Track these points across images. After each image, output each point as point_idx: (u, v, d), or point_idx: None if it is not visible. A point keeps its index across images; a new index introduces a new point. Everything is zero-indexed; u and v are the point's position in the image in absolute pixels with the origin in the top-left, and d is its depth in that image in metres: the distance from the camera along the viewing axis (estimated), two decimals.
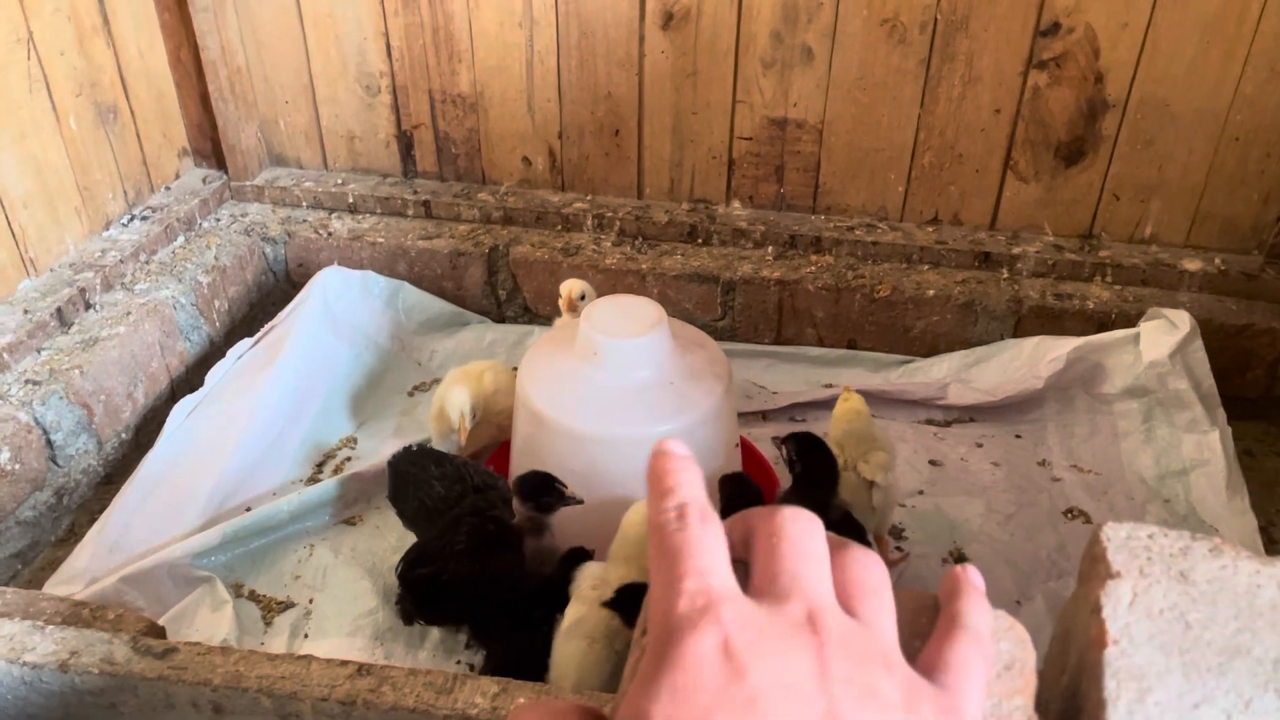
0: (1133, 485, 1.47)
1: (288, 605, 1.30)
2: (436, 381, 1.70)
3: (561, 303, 1.50)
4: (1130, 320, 1.66)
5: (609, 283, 1.80)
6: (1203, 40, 1.60)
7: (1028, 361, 1.65)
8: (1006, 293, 1.72)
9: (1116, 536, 0.56)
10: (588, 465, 1.27)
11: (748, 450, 1.47)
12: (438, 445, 1.42)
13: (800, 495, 1.22)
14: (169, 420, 1.49)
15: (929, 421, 1.64)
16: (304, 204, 1.98)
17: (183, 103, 1.95)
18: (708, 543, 0.38)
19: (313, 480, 1.51)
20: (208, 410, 1.52)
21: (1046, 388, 1.60)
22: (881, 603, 0.39)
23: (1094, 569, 0.56)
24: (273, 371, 1.55)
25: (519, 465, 1.40)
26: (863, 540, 1.18)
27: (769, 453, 1.51)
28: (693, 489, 0.40)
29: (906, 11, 1.67)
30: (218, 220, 1.93)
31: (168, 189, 1.93)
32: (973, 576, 0.45)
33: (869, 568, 0.40)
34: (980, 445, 1.58)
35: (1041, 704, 0.48)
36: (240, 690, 0.84)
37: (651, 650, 0.35)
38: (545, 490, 1.19)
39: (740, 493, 1.21)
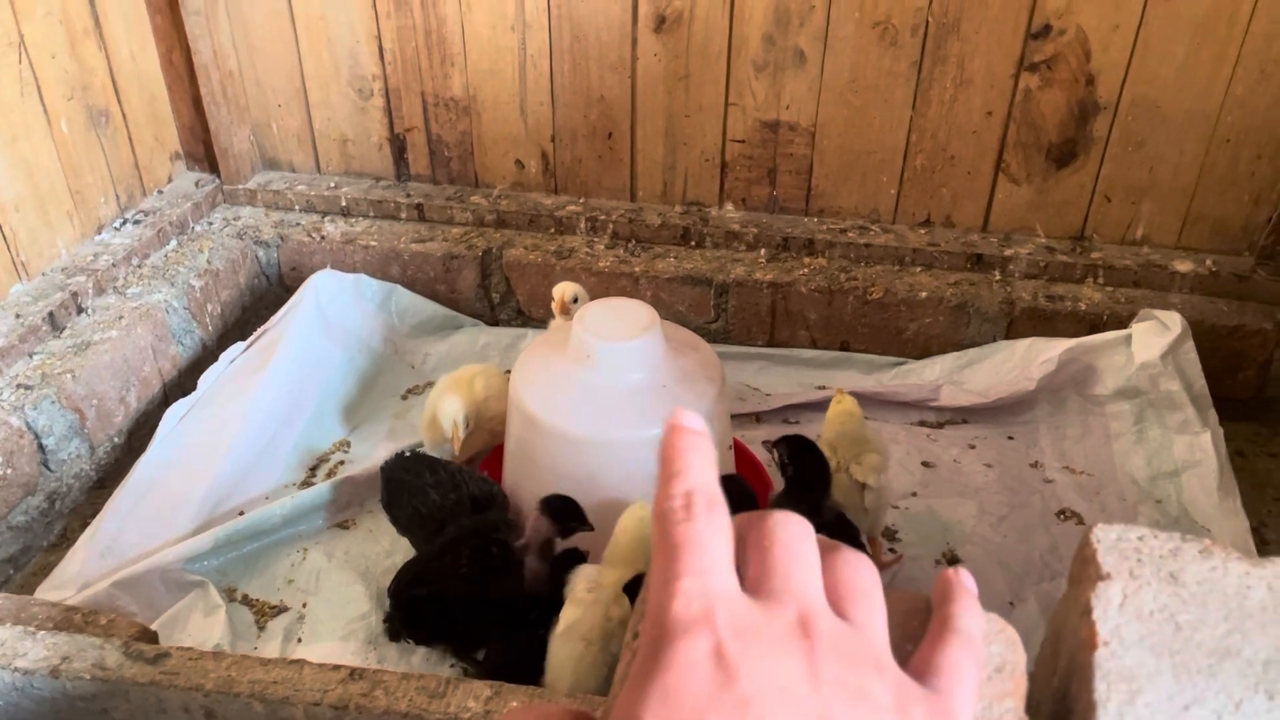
0: (1125, 486, 1.48)
1: (281, 609, 1.30)
2: (429, 385, 1.70)
3: (554, 305, 1.50)
4: (1122, 322, 1.66)
5: (602, 285, 1.80)
6: (1193, 42, 1.60)
7: (1020, 363, 1.65)
8: (999, 294, 1.72)
9: (1107, 538, 0.56)
10: (581, 468, 1.27)
11: (741, 452, 1.47)
12: (431, 453, 1.42)
13: (793, 498, 1.22)
14: (161, 424, 1.48)
15: (922, 423, 1.64)
16: (297, 207, 1.98)
17: (175, 106, 1.94)
18: (710, 538, 0.37)
19: (306, 484, 1.51)
20: (200, 414, 1.51)
21: (1039, 389, 1.60)
22: (873, 605, 0.39)
23: (1084, 571, 0.56)
24: (266, 375, 1.55)
25: (513, 468, 1.40)
26: (856, 542, 1.18)
27: (762, 455, 1.51)
28: (702, 473, 0.39)
29: (898, 14, 1.67)
30: (210, 224, 1.93)
31: (160, 192, 1.92)
32: (964, 579, 0.45)
33: (860, 570, 0.40)
34: (973, 447, 1.58)
35: (1032, 706, 0.49)
36: (232, 695, 0.84)
37: (644, 652, 0.35)
38: (570, 514, 1.19)
39: (734, 495, 1.21)
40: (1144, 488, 1.47)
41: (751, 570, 0.39)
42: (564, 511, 1.20)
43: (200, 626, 1.25)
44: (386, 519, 1.34)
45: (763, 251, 1.84)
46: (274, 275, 1.94)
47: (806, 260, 1.82)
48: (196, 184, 1.97)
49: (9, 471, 1.36)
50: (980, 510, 1.45)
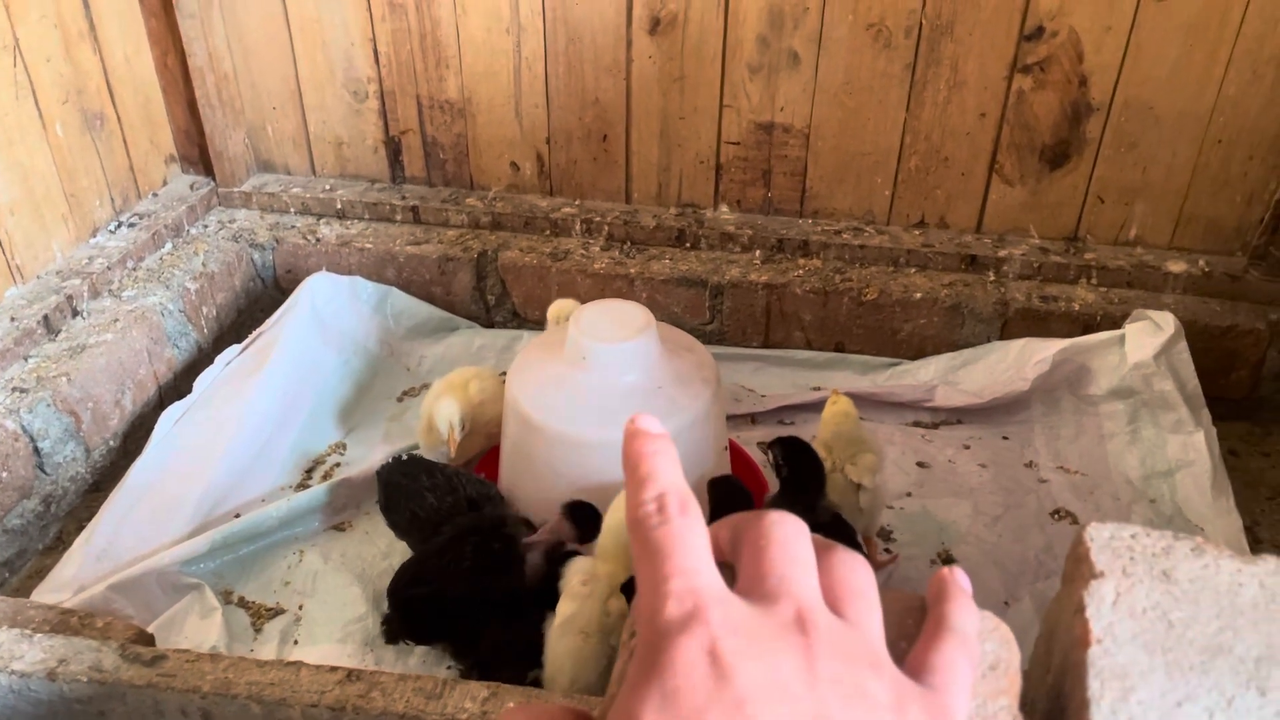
0: (1119, 486, 1.48)
1: (277, 612, 1.30)
2: (425, 387, 1.70)
3: (551, 326, 1.51)
4: (1115, 322, 1.67)
5: (597, 287, 1.80)
6: (1185, 43, 1.61)
7: (1014, 363, 1.66)
8: (993, 295, 1.73)
9: (1100, 537, 0.56)
10: (577, 469, 1.27)
11: (736, 453, 1.48)
12: (428, 457, 1.42)
13: (788, 499, 1.22)
14: (157, 427, 1.48)
15: (916, 423, 1.65)
16: (292, 210, 1.98)
17: (170, 109, 1.94)
18: (690, 538, 0.38)
19: (302, 486, 1.51)
20: (196, 417, 1.51)
21: (1033, 389, 1.61)
22: (868, 604, 0.40)
23: (1078, 569, 0.56)
24: (261, 378, 1.55)
25: (509, 470, 1.40)
26: (853, 542, 1.19)
27: (757, 456, 1.51)
28: (669, 475, 0.39)
29: (892, 16, 1.68)
30: (205, 227, 1.93)
31: (155, 195, 1.92)
32: (959, 578, 0.46)
33: (855, 570, 0.41)
34: (968, 447, 1.59)
35: (1026, 704, 0.49)
36: (229, 697, 0.84)
37: (640, 654, 0.36)
38: (594, 524, 1.19)
39: (730, 495, 1.22)
40: (1138, 487, 1.47)
41: (746, 569, 0.39)
42: (588, 519, 1.20)
43: (197, 629, 1.25)
44: (383, 521, 1.34)
45: (758, 253, 1.84)
46: (269, 278, 1.95)
47: (801, 261, 1.82)
48: (191, 187, 1.97)
49: (4, 475, 1.36)
50: (975, 510, 1.45)
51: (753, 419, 1.65)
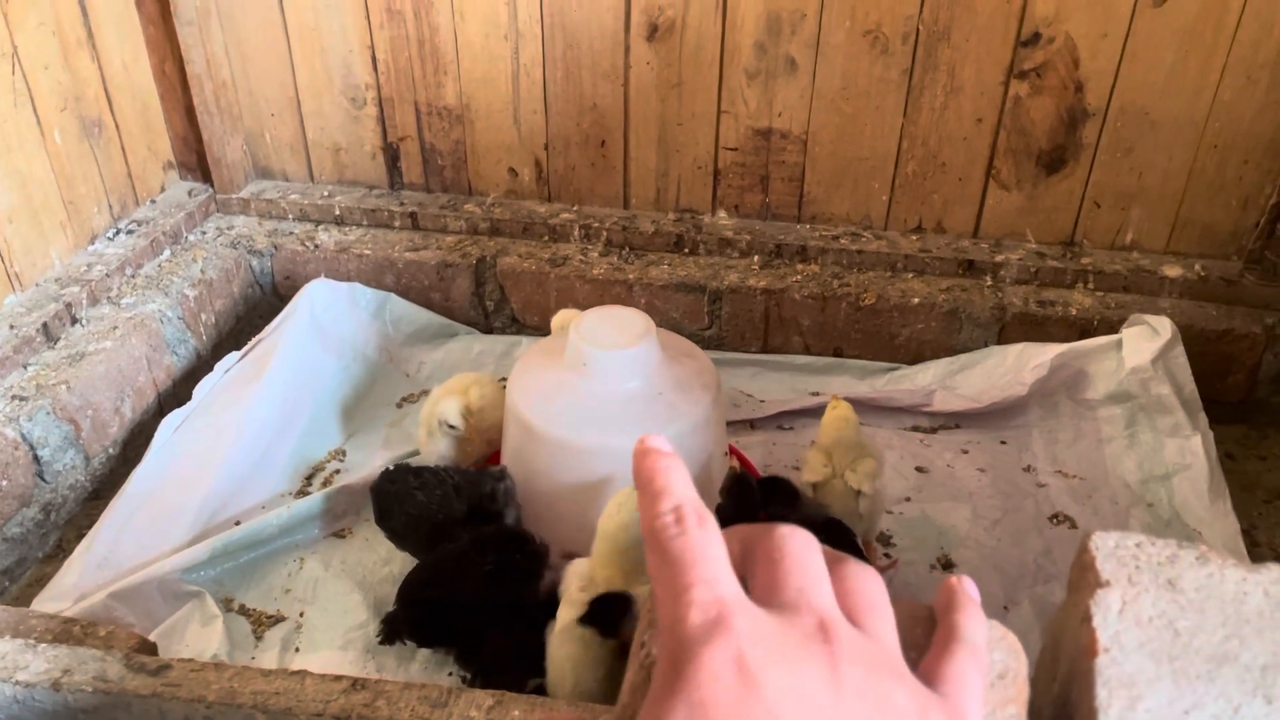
0: (1117, 490, 1.49)
1: (278, 619, 1.30)
2: (424, 393, 1.70)
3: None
4: (1112, 326, 1.67)
5: (596, 293, 1.80)
6: (1181, 49, 1.62)
7: (1012, 368, 1.67)
8: (990, 300, 1.74)
9: (1105, 545, 0.57)
10: (577, 475, 1.27)
11: (736, 459, 1.48)
12: (429, 464, 1.42)
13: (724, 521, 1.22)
14: (156, 435, 1.48)
15: (915, 428, 1.65)
16: (290, 216, 1.98)
17: (168, 116, 1.94)
18: (709, 548, 0.38)
19: (302, 493, 1.50)
20: (195, 424, 1.51)
21: (1031, 394, 1.61)
22: (883, 614, 0.40)
23: (1083, 578, 0.57)
24: (260, 385, 1.55)
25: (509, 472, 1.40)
26: (853, 545, 1.19)
27: (757, 460, 1.52)
28: (684, 488, 0.40)
29: (889, 22, 1.68)
30: (204, 233, 1.93)
31: (153, 202, 1.92)
32: (968, 588, 0.46)
33: (868, 581, 0.41)
34: (966, 451, 1.59)
35: (1034, 712, 0.49)
36: (235, 706, 0.84)
37: (662, 665, 0.36)
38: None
39: (743, 494, 1.21)
40: (1136, 491, 1.48)
41: (761, 581, 0.39)
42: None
43: (198, 637, 1.25)
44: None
45: (756, 258, 1.85)
46: (268, 284, 1.94)
47: (799, 267, 1.83)
48: (190, 193, 1.97)
49: (4, 483, 1.36)
50: (974, 514, 1.46)
51: (752, 424, 1.66)
